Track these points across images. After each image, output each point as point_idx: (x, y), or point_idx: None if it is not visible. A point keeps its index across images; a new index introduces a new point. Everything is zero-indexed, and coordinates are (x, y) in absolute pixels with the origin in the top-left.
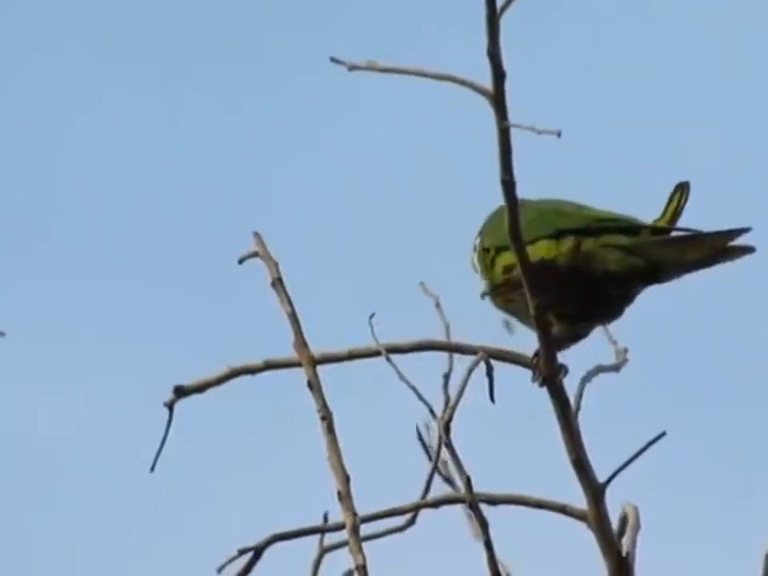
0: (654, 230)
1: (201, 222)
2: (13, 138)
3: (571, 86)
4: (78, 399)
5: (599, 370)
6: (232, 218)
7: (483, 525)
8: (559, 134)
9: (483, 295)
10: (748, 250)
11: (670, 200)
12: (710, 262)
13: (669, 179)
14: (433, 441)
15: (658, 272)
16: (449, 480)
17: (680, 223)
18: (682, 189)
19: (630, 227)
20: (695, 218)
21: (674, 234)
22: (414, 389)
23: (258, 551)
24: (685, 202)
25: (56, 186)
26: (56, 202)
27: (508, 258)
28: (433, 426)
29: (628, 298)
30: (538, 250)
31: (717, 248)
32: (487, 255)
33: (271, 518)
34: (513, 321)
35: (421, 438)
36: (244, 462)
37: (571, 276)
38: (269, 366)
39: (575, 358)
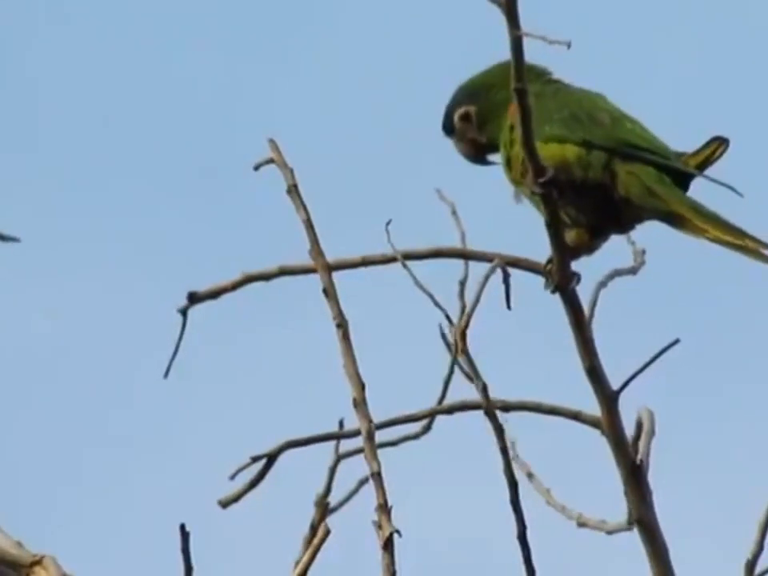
0: (684, 172)
1: (216, 127)
2: None
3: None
4: (94, 303)
5: (616, 273)
6: (248, 124)
7: (499, 431)
8: (569, 45)
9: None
10: (765, 259)
11: (704, 147)
12: (729, 247)
13: (675, 98)
14: (449, 348)
15: (675, 221)
16: (470, 377)
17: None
18: (720, 143)
19: (659, 163)
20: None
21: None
22: (430, 295)
23: (270, 458)
24: (719, 155)
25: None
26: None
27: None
28: (449, 332)
29: (643, 219)
30: (562, 152)
31: (744, 247)
32: (510, 131)
33: (286, 425)
34: (523, 196)
35: (444, 336)
36: (258, 370)
37: (590, 189)
38: (283, 272)
39: (592, 261)
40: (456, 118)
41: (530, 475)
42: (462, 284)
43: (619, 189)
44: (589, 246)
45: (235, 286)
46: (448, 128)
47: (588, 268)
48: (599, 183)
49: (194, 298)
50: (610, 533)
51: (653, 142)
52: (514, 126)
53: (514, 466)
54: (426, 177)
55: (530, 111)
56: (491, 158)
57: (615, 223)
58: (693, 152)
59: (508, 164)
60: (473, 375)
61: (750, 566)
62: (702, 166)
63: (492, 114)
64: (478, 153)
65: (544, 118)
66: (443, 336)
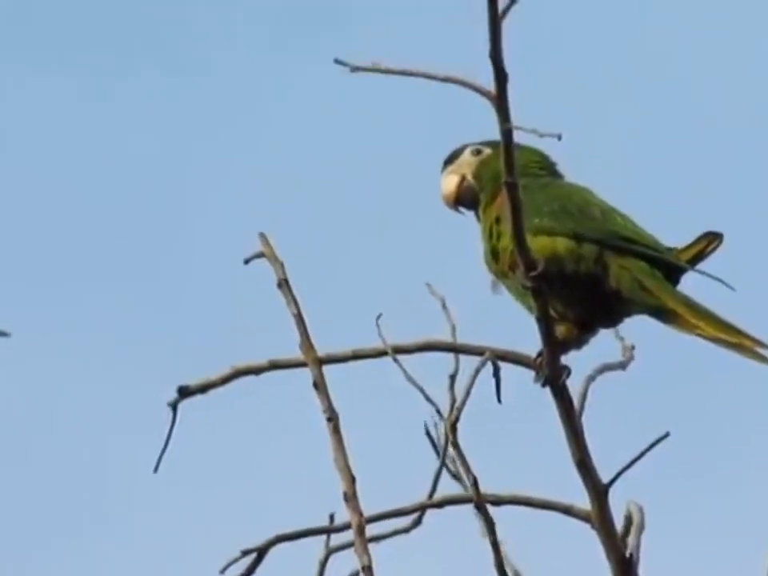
0: (675, 266)
1: (208, 221)
2: None
3: (574, 87)
4: (84, 396)
5: (605, 368)
6: (239, 218)
7: (490, 525)
8: (560, 137)
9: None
10: (762, 359)
11: (697, 241)
12: (721, 345)
13: (667, 185)
14: (439, 441)
15: (667, 317)
16: (457, 476)
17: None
18: (713, 238)
19: (651, 256)
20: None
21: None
22: (420, 389)
23: (261, 552)
24: (712, 250)
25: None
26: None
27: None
28: (439, 426)
29: (633, 314)
30: (552, 245)
31: (738, 346)
32: (497, 224)
33: (277, 519)
34: (501, 285)
35: (429, 434)
36: (248, 463)
37: (581, 282)
38: (273, 366)
39: (582, 355)
40: (468, 150)
41: (516, 575)
42: (453, 377)
43: (610, 282)
44: (578, 340)
45: (225, 380)
46: (451, 157)
47: (578, 362)
48: (590, 276)
49: (184, 392)
50: None
51: (644, 236)
52: (500, 218)
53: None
54: (417, 270)
55: (520, 205)
56: (464, 209)
57: (605, 317)
58: (685, 246)
59: (494, 256)
60: (463, 469)
61: None
62: (694, 260)
63: (494, 174)
64: (460, 193)
65: (533, 210)
66: (428, 433)
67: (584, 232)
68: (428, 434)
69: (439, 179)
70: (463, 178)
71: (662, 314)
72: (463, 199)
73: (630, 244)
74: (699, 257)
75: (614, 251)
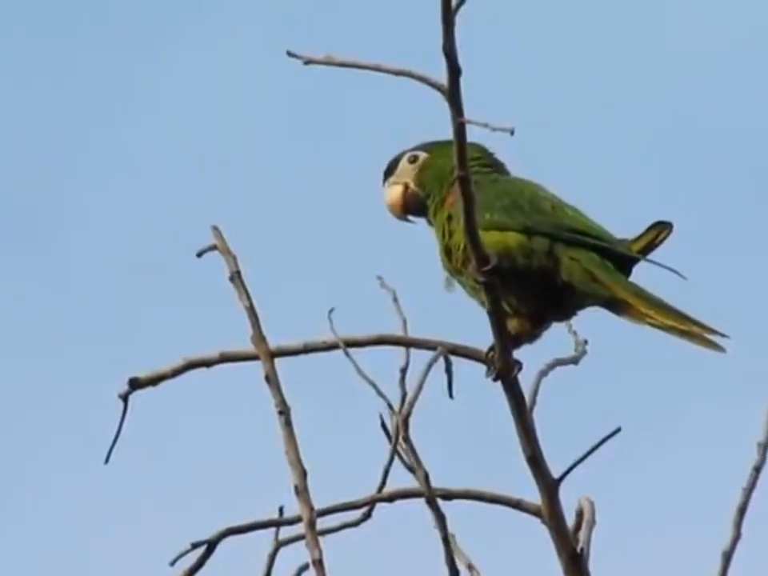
0: (627, 256)
1: (161, 214)
2: None
3: (526, 80)
4: (35, 387)
5: (557, 363)
6: (192, 210)
7: (441, 520)
8: (512, 132)
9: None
10: (719, 350)
11: (647, 231)
12: (673, 333)
13: (620, 179)
14: (391, 435)
15: (619, 308)
16: (411, 468)
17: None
18: (663, 228)
19: (602, 247)
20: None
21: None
22: (372, 383)
23: (211, 545)
24: (663, 240)
25: None
26: None
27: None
28: (391, 420)
29: (585, 306)
30: (504, 239)
31: (690, 333)
32: (449, 221)
33: (227, 512)
34: (455, 283)
35: (384, 426)
36: (199, 456)
37: (533, 276)
38: (225, 358)
39: (534, 350)
40: (405, 158)
41: (470, 567)
42: (404, 371)
43: (562, 275)
44: (530, 334)
45: (176, 372)
46: (390, 168)
47: (530, 356)
48: (541, 270)
49: (135, 384)
50: None
51: (594, 228)
52: (452, 216)
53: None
54: (368, 264)
55: (472, 199)
56: (412, 217)
57: (557, 310)
58: (635, 237)
59: (447, 254)
60: (414, 463)
61: None
62: (645, 250)
63: (437, 176)
64: (405, 202)
65: (484, 205)
66: (383, 425)
67: (535, 226)
68: (383, 425)
69: (382, 191)
70: (406, 187)
71: (614, 304)
72: (410, 207)
73: (580, 236)
74: (650, 247)
75: (565, 244)
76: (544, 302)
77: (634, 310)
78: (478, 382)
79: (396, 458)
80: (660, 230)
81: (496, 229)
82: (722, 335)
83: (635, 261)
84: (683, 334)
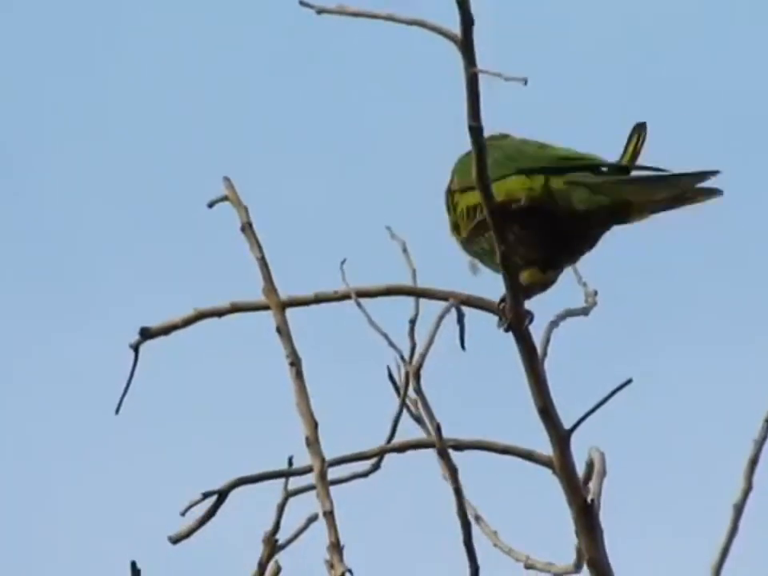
0: (618, 168)
1: (172, 164)
2: None
3: (540, 31)
4: (45, 338)
5: (568, 313)
6: (204, 160)
7: (452, 471)
8: (526, 82)
9: (456, 236)
10: (715, 192)
11: (629, 141)
12: (675, 203)
13: (633, 121)
14: (401, 386)
15: (623, 211)
16: (419, 420)
17: (642, 163)
18: (640, 130)
19: (594, 165)
20: (658, 159)
21: (638, 173)
22: (384, 334)
23: (222, 494)
24: (643, 142)
25: None
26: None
27: (471, 198)
28: (401, 371)
29: (592, 239)
30: (504, 188)
31: (684, 189)
32: (452, 197)
33: (238, 463)
34: (478, 263)
35: (392, 378)
36: (210, 407)
37: (537, 215)
38: (236, 308)
39: (544, 301)
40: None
41: (477, 518)
42: (413, 322)
43: (563, 203)
44: (543, 283)
45: (187, 323)
46: None
47: (540, 309)
48: (543, 205)
49: (146, 334)
50: (557, 575)
51: (585, 154)
52: (453, 191)
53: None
54: (378, 214)
55: (484, 148)
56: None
57: (565, 248)
58: (621, 153)
59: (455, 228)
60: (426, 415)
61: None
62: (634, 158)
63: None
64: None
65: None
66: (390, 377)
67: (526, 165)
68: (391, 378)
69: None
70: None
71: (618, 211)
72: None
73: (571, 161)
74: (638, 152)
75: (559, 173)
76: (551, 243)
77: (635, 206)
78: (489, 333)
79: (407, 410)
80: (639, 133)
81: (495, 181)
82: (711, 173)
83: (627, 172)
84: (680, 200)
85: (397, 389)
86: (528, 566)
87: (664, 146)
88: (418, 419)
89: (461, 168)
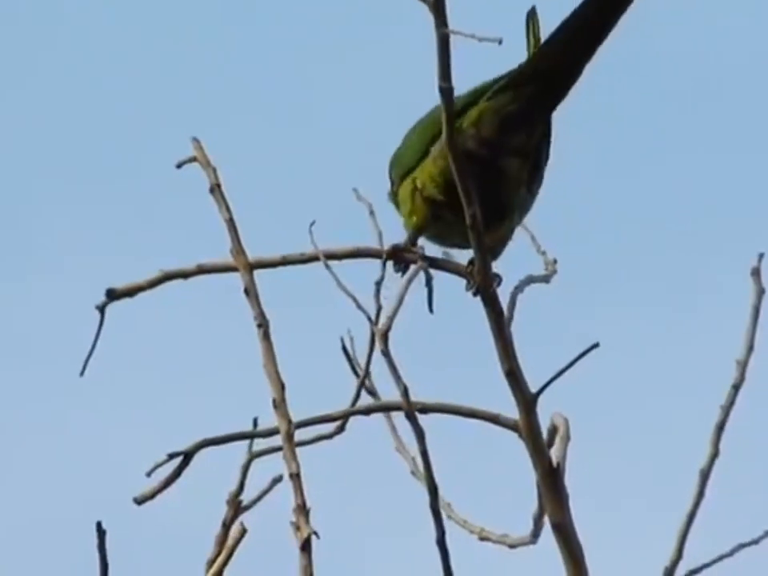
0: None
1: (139, 122)
2: None
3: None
4: (9, 299)
5: (530, 280)
6: (171, 121)
7: (420, 434)
8: (500, 42)
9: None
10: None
11: (527, 31)
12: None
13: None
14: (366, 348)
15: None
16: (372, 392)
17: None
18: (532, 16)
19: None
20: None
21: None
22: (352, 297)
23: (187, 456)
24: (538, 27)
25: None
26: None
27: (409, 183)
28: (366, 332)
29: (532, 167)
30: (431, 165)
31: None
32: (396, 195)
33: (205, 424)
34: (447, 249)
35: (345, 351)
36: (176, 369)
37: (479, 153)
38: (202, 270)
39: (506, 269)
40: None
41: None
42: (379, 284)
43: (482, 133)
44: (502, 238)
45: (153, 284)
46: None
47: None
48: (468, 151)
49: (111, 295)
50: (512, 546)
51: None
52: (396, 190)
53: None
54: (344, 175)
55: (453, 110)
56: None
57: (507, 187)
58: (526, 43)
59: (412, 222)
60: (394, 377)
61: (669, 573)
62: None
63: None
64: None
65: (403, 163)
66: (344, 349)
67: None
68: (344, 350)
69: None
70: None
71: (530, 106)
72: None
73: (472, 98)
74: (538, 40)
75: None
76: (493, 189)
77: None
78: (455, 295)
79: (374, 372)
80: (532, 20)
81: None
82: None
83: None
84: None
85: (350, 360)
86: (482, 538)
87: None
88: (371, 392)
89: (396, 163)
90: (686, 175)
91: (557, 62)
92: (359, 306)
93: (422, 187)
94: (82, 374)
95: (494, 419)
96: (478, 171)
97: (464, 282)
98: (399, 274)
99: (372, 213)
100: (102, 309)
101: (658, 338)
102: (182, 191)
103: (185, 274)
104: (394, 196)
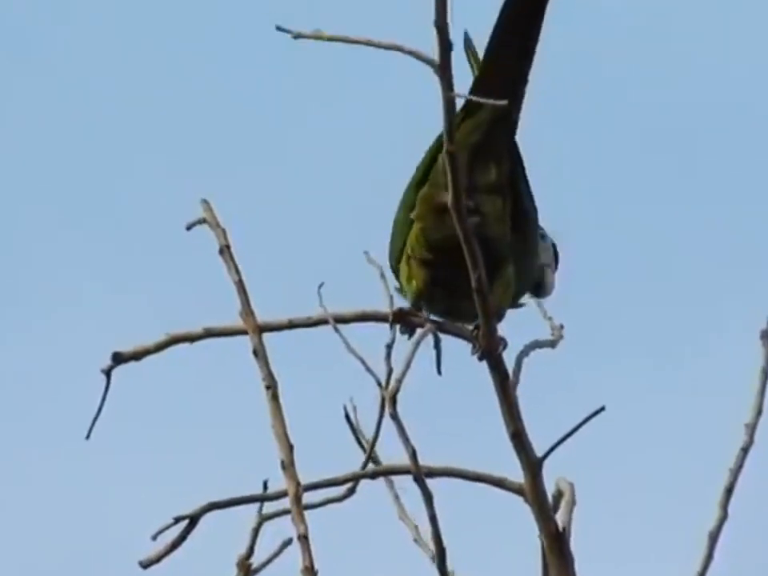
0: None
1: (149, 185)
2: None
3: None
4: (19, 357)
5: (536, 345)
6: (181, 183)
7: (428, 498)
8: (506, 104)
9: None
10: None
11: (468, 57)
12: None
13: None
14: (376, 411)
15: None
16: (375, 461)
17: None
18: (467, 41)
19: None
20: None
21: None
22: (361, 360)
23: (193, 519)
24: (474, 49)
25: None
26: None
27: (404, 250)
28: (376, 395)
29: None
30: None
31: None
32: (398, 270)
33: (212, 487)
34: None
35: (348, 419)
36: (185, 431)
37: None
38: (209, 333)
39: (513, 333)
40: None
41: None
42: (389, 347)
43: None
44: (505, 291)
45: (160, 347)
46: None
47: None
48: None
49: (118, 358)
50: None
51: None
52: (397, 266)
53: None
54: (356, 239)
55: (459, 174)
56: None
57: (489, 229)
58: (471, 67)
59: (418, 295)
60: (402, 441)
61: None
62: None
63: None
64: None
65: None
66: (347, 417)
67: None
68: (347, 418)
69: None
70: None
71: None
72: None
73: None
74: (479, 60)
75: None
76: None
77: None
78: (462, 358)
79: (382, 435)
80: (468, 46)
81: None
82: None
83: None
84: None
85: (354, 430)
86: None
87: None
88: (374, 460)
89: (391, 237)
90: (693, 232)
91: (498, 75)
92: (368, 369)
93: (412, 251)
94: (88, 437)
95: (500, 483)
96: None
97: (469, 344)
98: (406, 336)
99: (383, 276)
100: (107, 372)
101: (664, 400)
102: (190, 251)
103: (192, 338)
104: (395, 270)
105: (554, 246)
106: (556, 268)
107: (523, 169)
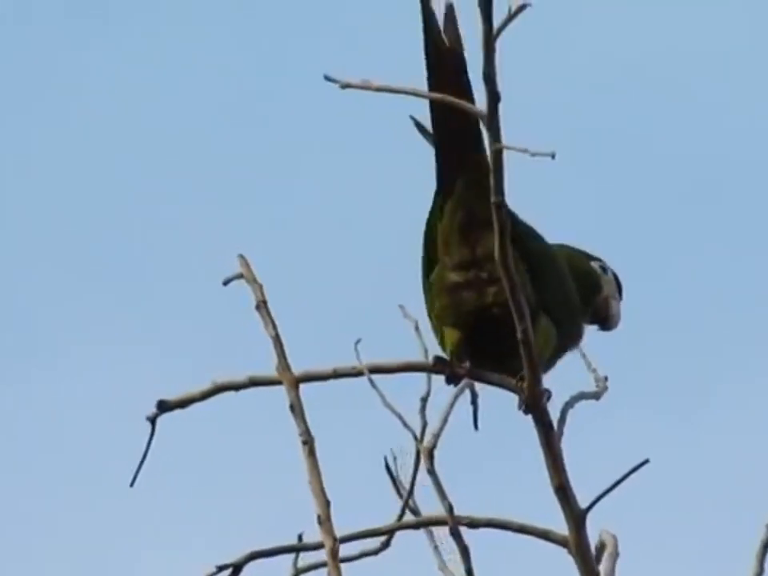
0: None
1: (188, 239)
2: None
3: (568, 104)
4: (64, 407)
5: (581, 396)
6: (218, 237)
7: (464, 551)
8: (553, 156)
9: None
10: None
11: (425, 137)
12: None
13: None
14: (411, 464)
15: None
16: (414, 511)
17: None
18: (417, 126)
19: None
20: None
21: None
22: (398, 415)
23: (236, 568)
24: (425, 131)
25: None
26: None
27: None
28: (411, 449)
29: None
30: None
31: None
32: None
33: (252, 536)
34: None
35: (389, 470)
36: (226, 481)
37: (466, 279)
38: (253, 382)
39: (556, 385)
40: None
41: None
42: (425, 400)
43: (455, 257)
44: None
45: (205, 396)
46: None
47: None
48: (453, 282)
49: (163, 407)
50: None
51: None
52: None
53: None
54: (390, 292)
55: (507, 225)
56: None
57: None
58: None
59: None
60: (439, 494)
61: None
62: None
63: None
64: None
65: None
66: (387, 468)
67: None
68: (388, 469)
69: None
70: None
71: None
72: None
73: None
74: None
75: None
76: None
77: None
78: (502, 409)
79: (420, 487)
80: (420, 129)
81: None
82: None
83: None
84: None
85: (393, 480)
86: None
87: None
88: (413, 511)
89: (423, 295)
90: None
91: (455, 142)
92: (405, 424)
93: (438, 320)
94: (132, 484)
95: (545, 535)
96: (472, 297)
97: (509, 395)
98: (451, 386)
99: (417, 329)
100: (153, 420)
101: (707, 453)
102: (229, 307)
103: (236, 386)
104: (432, 323)
105: (615, 276)
106: (620, 298)
107: (514, 215)
